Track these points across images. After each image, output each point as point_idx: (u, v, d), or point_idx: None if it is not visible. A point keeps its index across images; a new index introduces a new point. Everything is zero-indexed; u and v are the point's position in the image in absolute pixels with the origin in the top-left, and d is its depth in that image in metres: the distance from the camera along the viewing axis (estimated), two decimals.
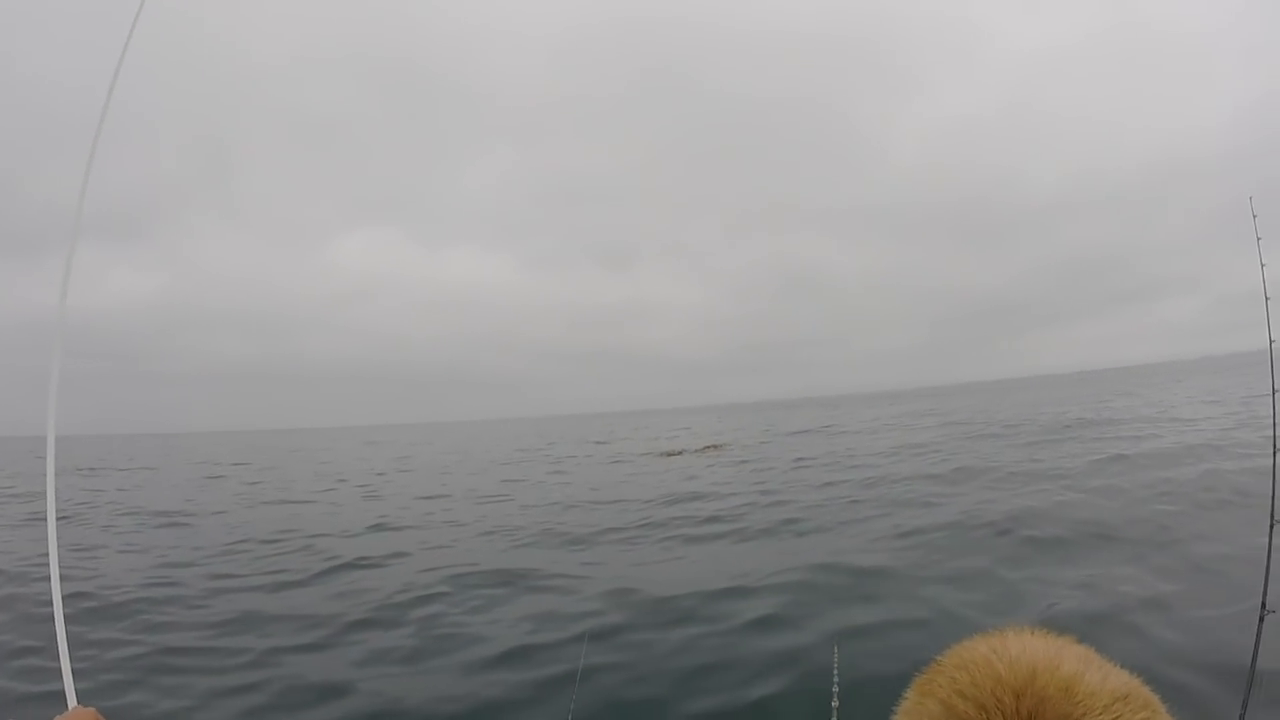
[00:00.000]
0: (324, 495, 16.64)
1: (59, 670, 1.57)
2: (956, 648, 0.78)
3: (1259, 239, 2.68)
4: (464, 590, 6.88)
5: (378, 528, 11.16)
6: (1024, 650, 0.75)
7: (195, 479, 22.71)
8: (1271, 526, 2.67)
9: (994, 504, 9.07)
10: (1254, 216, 2.71)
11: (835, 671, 2.43)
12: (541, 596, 6.62)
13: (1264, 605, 2.57)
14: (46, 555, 1.70)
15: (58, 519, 1.71)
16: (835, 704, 2.36)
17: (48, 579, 1.67)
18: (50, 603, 1.69)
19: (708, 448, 23.12)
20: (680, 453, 22.48)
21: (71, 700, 1.50)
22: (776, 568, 6.88)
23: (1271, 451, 2.72)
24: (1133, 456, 12.07)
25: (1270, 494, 2.68)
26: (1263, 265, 2.66)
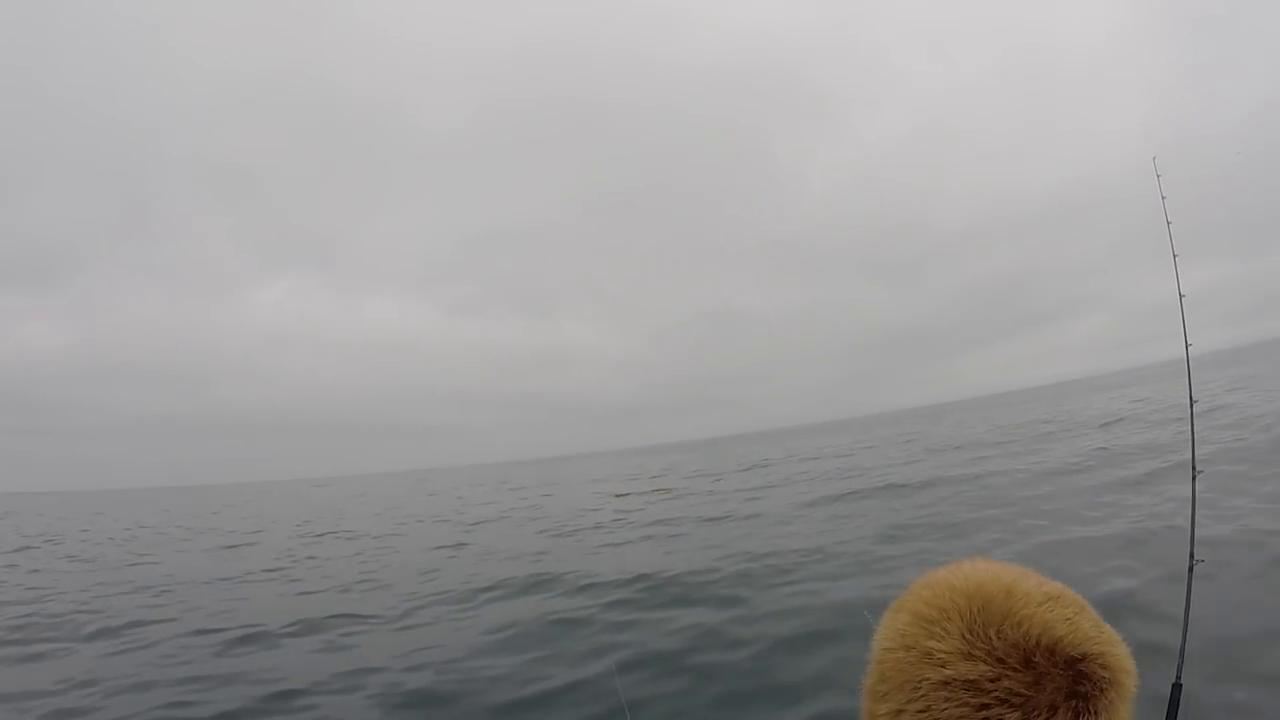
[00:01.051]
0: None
1: None
2: (921, 577, 0.97)
3: (1164, 197, 2.78)
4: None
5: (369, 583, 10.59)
6: (974, 568, 0.97)
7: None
8: (1194, 478, 2.74)
9: None
10: (1158, 176, 2.81)
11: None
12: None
13: (1192, 555, 2.61)
14: None
15: None
16: None
17: None
18: None
19: (656, 490, 22.99)
20: (627, 494, 22.33)
21: None
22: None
23: (1189, 404, 2.81)
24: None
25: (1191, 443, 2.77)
26: (1169, 223, 2.76)
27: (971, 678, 0.96)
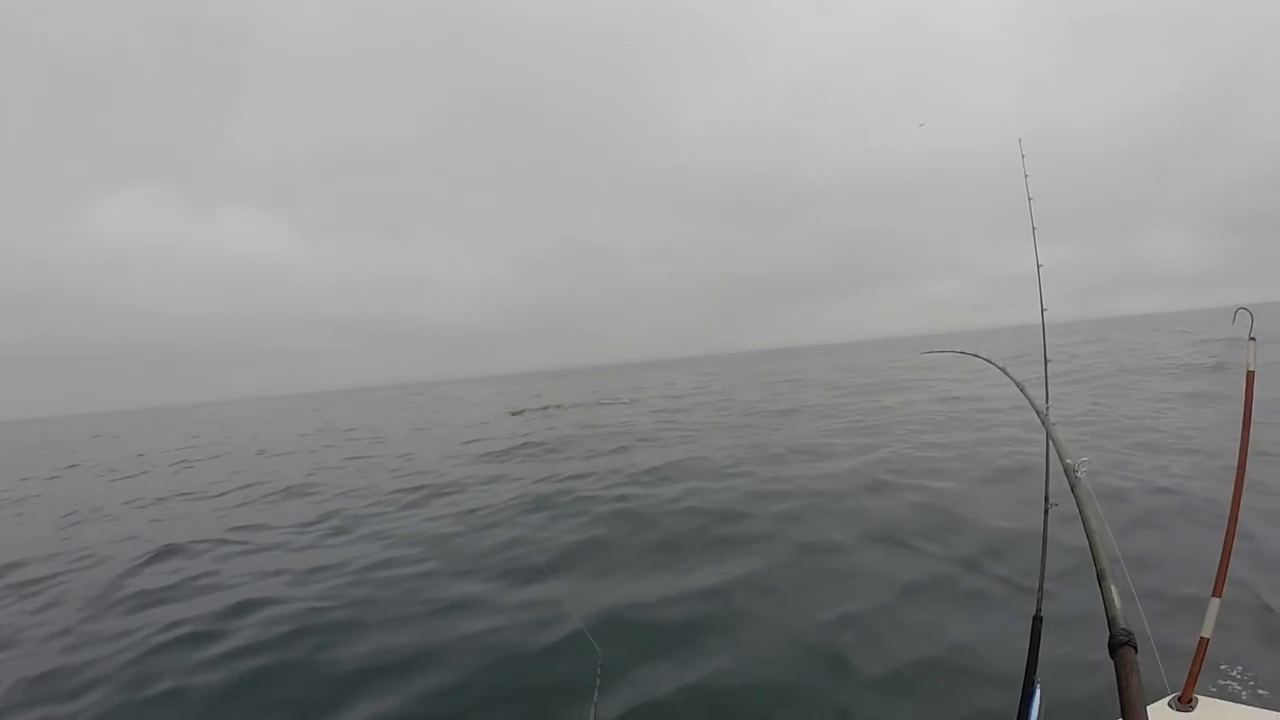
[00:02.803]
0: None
1: None
2: None
3: (1026, 176, 2.53)
4: None
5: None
6: None
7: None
8: (1046, 511, 2.43)
9: None
10: (1022, 156, 2.59)
11: None
12: None
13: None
14: None
15: None
16: None
17: None
18: None
19: (547, 407, 26.75)
20: (523, 411, 25.52)
21: None
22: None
23: (1045, 442, 2.45)
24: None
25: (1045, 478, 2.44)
26: (1030, 199, 2.49)
27: None
